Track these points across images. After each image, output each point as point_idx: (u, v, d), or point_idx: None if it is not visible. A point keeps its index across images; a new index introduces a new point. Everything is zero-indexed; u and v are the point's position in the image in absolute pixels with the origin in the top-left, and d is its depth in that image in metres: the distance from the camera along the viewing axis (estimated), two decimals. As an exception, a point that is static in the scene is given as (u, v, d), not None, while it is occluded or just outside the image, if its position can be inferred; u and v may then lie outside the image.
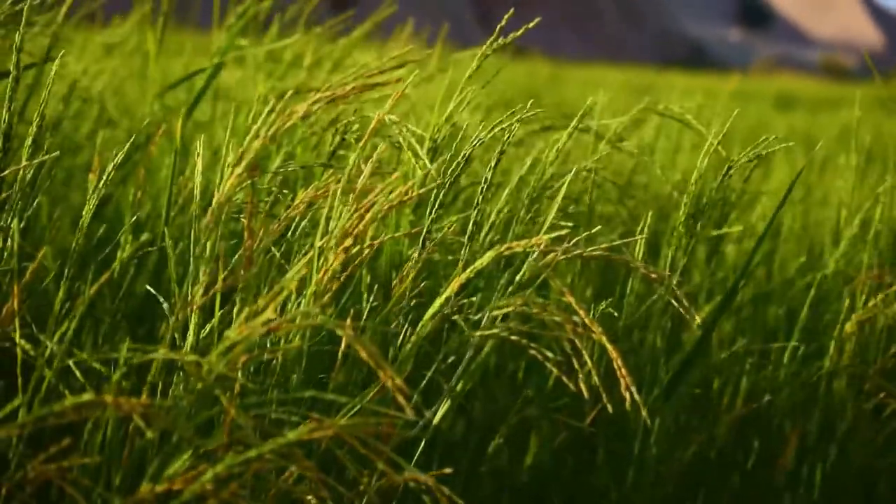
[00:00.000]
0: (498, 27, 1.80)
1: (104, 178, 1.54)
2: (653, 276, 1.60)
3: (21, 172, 1.59)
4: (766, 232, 2.02)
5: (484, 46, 1.81)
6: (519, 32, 1.79)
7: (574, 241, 1.58)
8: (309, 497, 1.38)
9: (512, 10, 1.87)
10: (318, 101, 1.42)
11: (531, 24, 1.80)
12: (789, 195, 2.02)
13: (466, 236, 1.74)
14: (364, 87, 1.41)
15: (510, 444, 2.12)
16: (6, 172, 1.59)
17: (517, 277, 1.61)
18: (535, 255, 1.62)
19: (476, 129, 1.78)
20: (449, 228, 1.79)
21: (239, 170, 1.36)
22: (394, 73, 1.45)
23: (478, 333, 1.57)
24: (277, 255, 1.66)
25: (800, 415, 2.25)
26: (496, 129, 1.77)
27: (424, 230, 1.72)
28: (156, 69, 2.59)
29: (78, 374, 1.50)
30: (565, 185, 1.74)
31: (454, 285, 1.57)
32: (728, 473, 2.39)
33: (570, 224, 1.71)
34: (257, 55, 2.72)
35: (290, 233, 1.68)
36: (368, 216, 1.48)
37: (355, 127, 1.92)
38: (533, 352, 1.58)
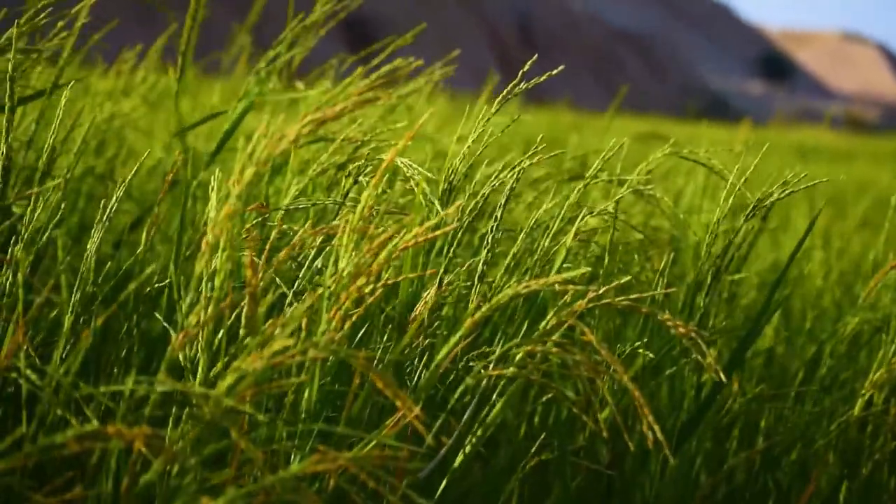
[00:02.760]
0: (519, 73, 1.80)
1: (109, 209, 1.53)
2: (681, 330, 1.58)
3: (31, 203, 1.58)
4: (781, 275, 2.00)
5: (504, 91, 1.80)
6: (542, 78, 1.79)
7: (591, 282, 1.56)
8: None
9: (536, 56, 1.86)
10: (307, 124, 1.40)
11: (554, 72, 1.79)
12: (806, 237, 2.00)
13: (477, 276, 1.73)
14: (355, 106, 1.39)
15: (527, 485, 2.10)
16: (9, 202, 1.58)
17: (542, 324, 1.59)
18: (559, 301, 1.61)
19: (491, 171, 1.78)
20: (464, 268, 1.78)
21: (232, 198, 1.34)
22: (381, 92, 1.43)
23: (495, 372, 1.56)
24: (286, 291, 1.64)
25: (820, 461, 2.23)
26: (513, 170, 1.77)
27: (442, 269, 1.71)
28: (177, 110, 2.58)
29: (84, 406, 1.48)
30: (578, 223, 1.73)
31: (469, 323, 1.55)
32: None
33: (587, 269, 1.69)
34: (284, 101, 2.71)
35: (298, 269, 1.66)
36: (382, 256, 1.46)
37: (369, 169, 1.91)
38: (552, 391, 1.56)
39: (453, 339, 1.56)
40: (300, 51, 2.33)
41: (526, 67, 1.82)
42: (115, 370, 1.83)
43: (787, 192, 1.89)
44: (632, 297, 1.57)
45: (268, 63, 2.31)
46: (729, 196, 1.94)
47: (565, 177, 2.67)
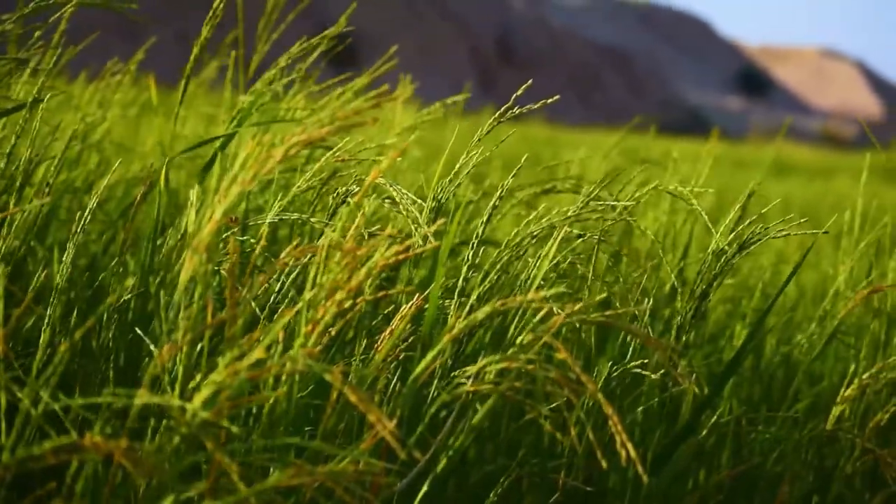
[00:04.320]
0: (501, 88, 1.81)
1: (82, 222, 1.54)
2: (651, 343, 1.60)
3: (8, 218, 1.59)
4: (770, 307, 2.02)
5: (496, 114, 1.82)
6: (536, 105, 1.80)
7: (571, 310, 1.57)
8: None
9: (517, 75, 1.88)
10: (294, 144, 1.41)
11: (550, 101, 1.81)
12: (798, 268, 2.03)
13: (457, 292, 1.74)
14: (340, 129, 1.40)
15: (503, 501, 2.11)
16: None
17: (519, 339, 1.60)
18: (535, 317, 1.63)
19: (472, 189, 1.79)
20: (440, 283, 1.79)
21: (217, 215, 1.35)
22: (370, 112, 1.43)
23: (470, 388, 1.57)
24: (259, 310, 1.65)
25: (788, 477, 2.24)
26: (500, 190, 1.79)
27: (438, 282, 1.73)
28: (152, 121, 2.59)
29: (63, 417, 1.49)
30: (556, 241, 1.74)
31: (447, 339, 1.56)
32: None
33: (564, 289, 1.71)
34: (261, 115, 2.72)
35: (278, 285, 1.67)
36: (363, 272, 1.47)
37: (355, 189, 1.92)
38: (528, 408, 1.58)
39: (430, 355, 1.57)
40: (282, 65, 2.33)
41: (519, 93, 1.84)
42: (93, 381, 1.83)
43: (780, 233, 1.92)
44: (607, 313, 1.58)
45: (268, 83, 2.31)
46: (723, 233, 1.96)
47: (542, 192, 2.68)
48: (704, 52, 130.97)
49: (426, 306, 1.71)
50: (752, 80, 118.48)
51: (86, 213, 1.68)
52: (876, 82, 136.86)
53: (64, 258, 1.63)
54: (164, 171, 1.87)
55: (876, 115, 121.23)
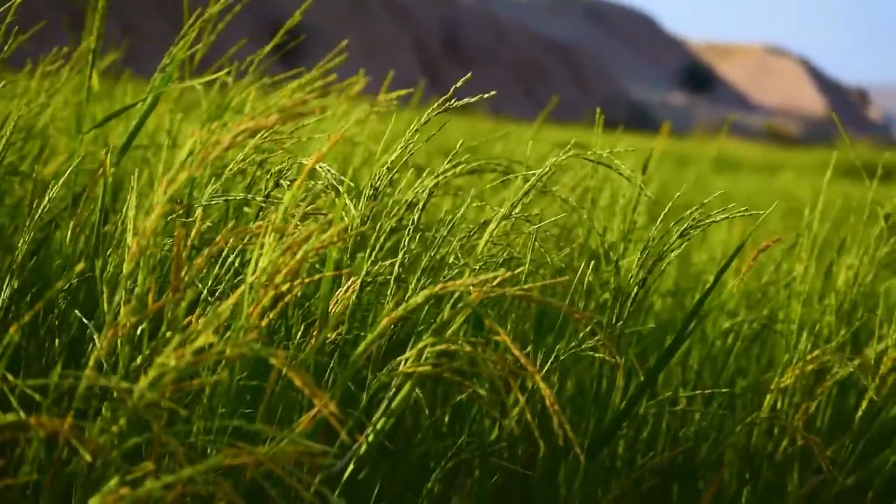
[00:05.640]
0: (446, 83, 1.84)
1: (39, 211, 1.56)
2: (576, 316, 1.63)
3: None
4: (708, 292, 2.05)
5: (435, 105, 1.85)
6: (473, 99, 1.83)
7: (498, 280, 1.60)
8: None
9: (464, 70, 1.91)
10: (241, 132, 1.43)
11: (488, 95, 1.83)
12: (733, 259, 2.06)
13: (393, 277, 1.77)
14: (288, 117, 1.42)
15: (443, 484, 2.13)
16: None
17: (439, 317, 1.63)
18: (461, 295, 1.66)
19: (413, 178, 1.82)
20: (376, 266, 1.82)
21: (164, 199, 1.38)
22: (316, 102, 1.46)
23: (408, 369, 1.59)
24: (204, 290, 1.67)
25: (724, 463, 2.28)
26: (436, 177, 1.81)
27: (364, 269, 1.75)
28: (94, 109, 2.60)
29: (11, 398, 1.51)
30: (494, 225, 1.77)
31: (385, 322, 1.59)
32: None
33: (502, 270, 1.74)
34: (209, 105, 2.74)
35: (218, 268, 1.70)
36: (300, 254, 1.49)
37: (288, 172, 1.94)
38: (466, 389, 1.61)
39: (370, 338, 1.60)
40: (202, 46, 2.34)
41: (458, 84, 1.86)
42: (41, 363, 1.85)
43: (710, 219, 1.95)
44: (526, 286, 1.61)
45: (170, 58, 2.33)
46: (636, 206, 1.98)
47: (487, 184, 2.71)
48: (650, 48, 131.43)
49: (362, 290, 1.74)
50: (696, 76, 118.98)
51: (44, 202, 1.70)
52: (820, 80, 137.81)
53: (20, 244, 1.65)
54: (107, 159, 1.89)
55: (819, 113, 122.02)
